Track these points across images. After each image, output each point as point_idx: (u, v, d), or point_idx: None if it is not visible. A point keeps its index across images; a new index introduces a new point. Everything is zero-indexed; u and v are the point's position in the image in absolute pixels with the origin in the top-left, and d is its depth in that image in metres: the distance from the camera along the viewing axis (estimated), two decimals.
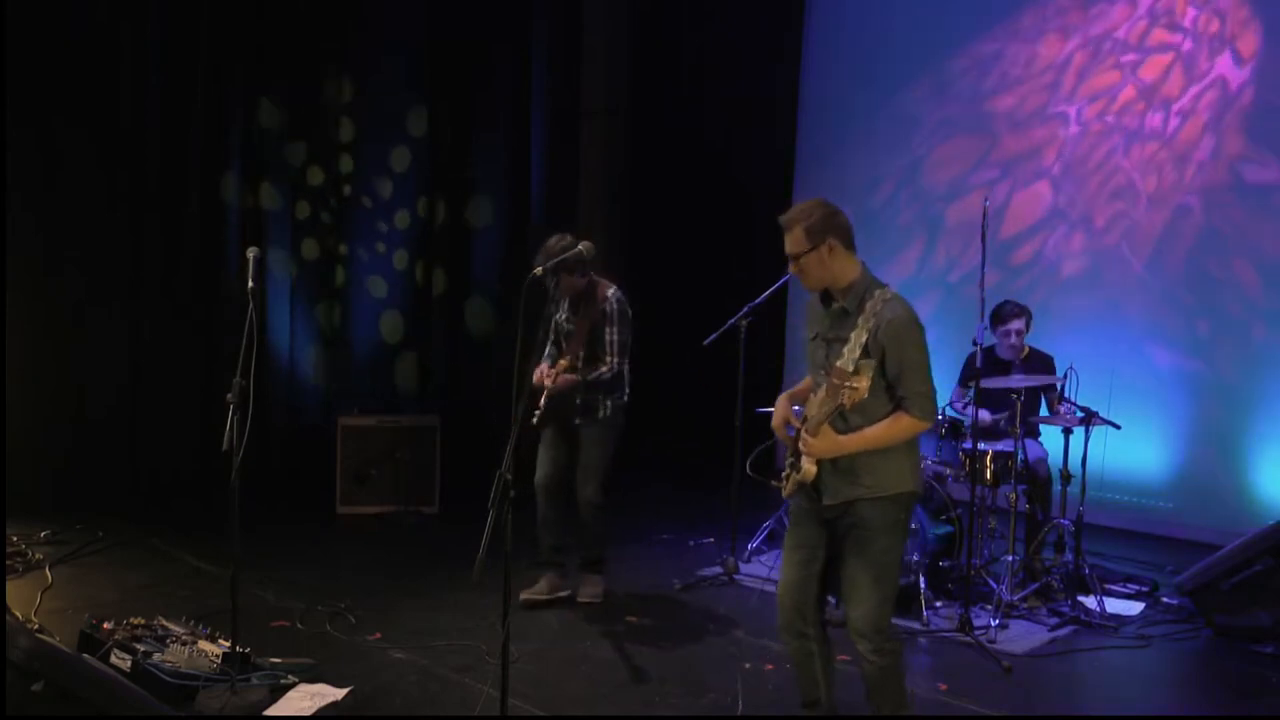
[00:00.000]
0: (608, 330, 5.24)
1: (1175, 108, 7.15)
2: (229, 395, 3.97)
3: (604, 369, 5.24)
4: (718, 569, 6.00)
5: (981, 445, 5.54)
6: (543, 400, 5.13)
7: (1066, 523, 5.71)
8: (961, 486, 5.64)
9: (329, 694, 4.14)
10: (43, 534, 6.03)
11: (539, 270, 3.83)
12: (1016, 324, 5.98)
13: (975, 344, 5.36)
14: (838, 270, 3.59)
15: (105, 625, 4.29)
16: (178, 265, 7.17)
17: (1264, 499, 6.71)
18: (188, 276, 7.20)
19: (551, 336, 5.41)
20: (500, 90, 8.31)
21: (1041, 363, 6.07)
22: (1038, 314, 6.15)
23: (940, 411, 5.77)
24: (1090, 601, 5.47)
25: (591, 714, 4.21)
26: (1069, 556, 5.68)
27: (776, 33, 8.76)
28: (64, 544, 5.95)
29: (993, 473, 5.68)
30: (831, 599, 3.84)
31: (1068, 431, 5.61)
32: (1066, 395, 5.69)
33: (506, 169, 8.38)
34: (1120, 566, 6.21)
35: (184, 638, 4.26)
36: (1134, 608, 5.60)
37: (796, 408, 3.72)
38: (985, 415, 5.85)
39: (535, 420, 5.15)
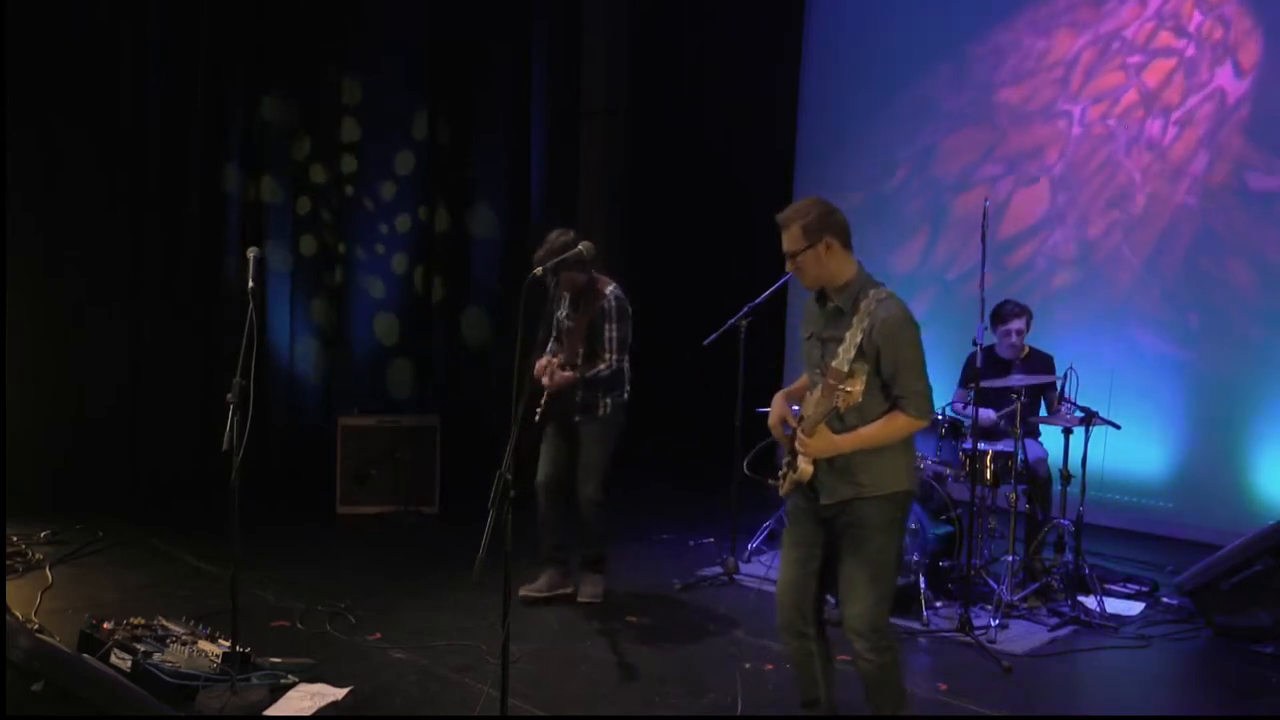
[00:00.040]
0: (607, 327, 5.24)
1: (1174, 116, 7.15)
2: (229, 395, 3.97)
3: (603, 366, 5.23)
4: (718, 569, 6.00)
5: (981, 445, 5.54)
6: (543, 400, 5.15)
7: (1066, 523, 5.71)
8: (961, 486, 5.64)
9: (329, 694, 4.13)
10: (43, 534, 6.03)
11: (539, 270, 3.83)
12: (1017, 323, 5.98)
13: (975, 344, 5.36)
14: (834, 269, 3.60)
15: (105, 625, 4.29)
16: (178, 265, 7.17)
17: (1264, 499, 6.71)
18: (188, 276, 7.20)
19: (554, 334, 5.41)
20: (500, 90, 8.31)
21: (1042, 362, 6.07)
22: (1037, 314, 6.15)
23: (940, 411, 5.78)
24: (1090, 601, 5.47)
25: (591, 714, 4.20)
26: (1069, 556, 5.67)
27: (776, 33, 8.76)
28: (64, 544, 5.95)
29: (993, 473, 5.68)
30: (831, 598, 3.84)
31: (1068, 431, 5.61)
32: (1066, 395, 5.69)
33: (506, 169, 8.38)
34: (1120, 566, 6.21)
35: (184, 638, 4.26)
36: (1134, 608, 5.60)
37: (795, 407, 3.72)
38: (990, 414, 5.85)
39: (536, 418, 5.16)
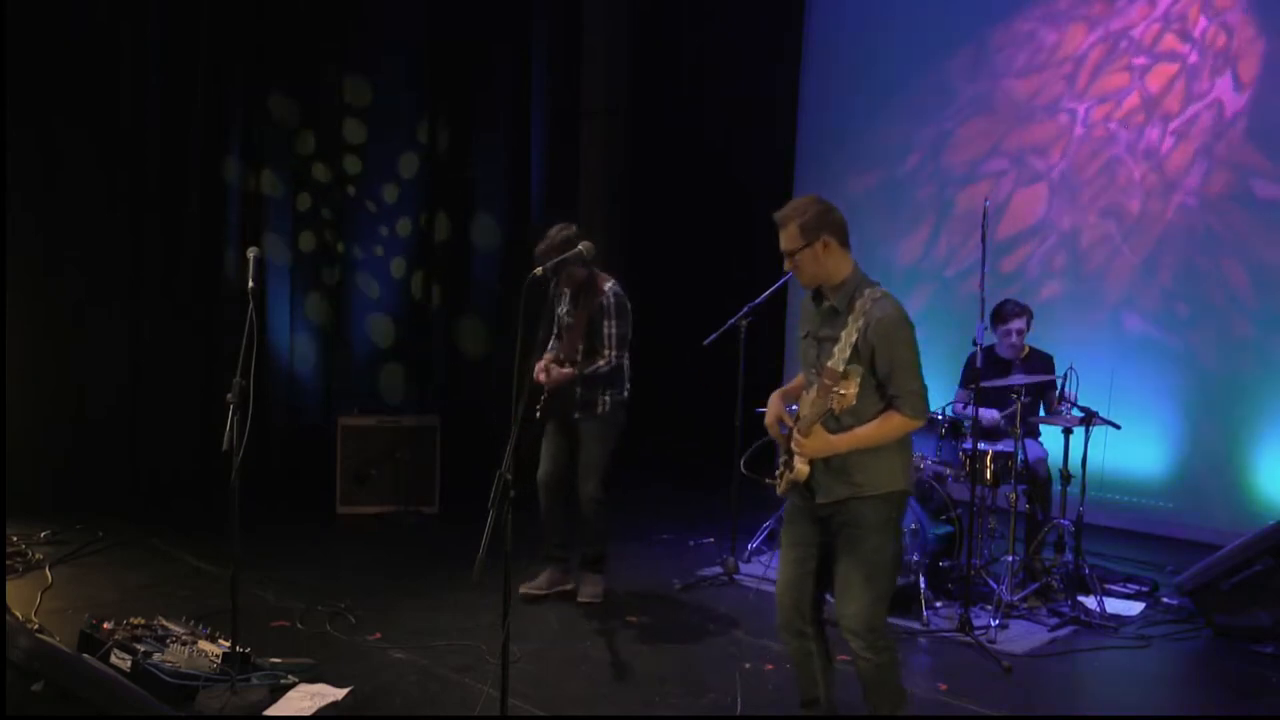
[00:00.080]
0: (606, 323, 5.24)
1: (1172, 126, 7.16)
2: (229, 395, 3.97)
3: (601, 363, 5.24)
4: (718, 569, 6.00)
5: (981, 445, 5.54)
6: (542, 397, 5.16)
7: (1066, 523, 5.70)
8: (961, 486, 5.64)
9: (329, 694, 4.13)
10: (43, 534, 6.03)
11: (539, 270, 3.83)
12: (1017, 323, 5.98)
13: (975, 344, 5.36)
14: (831, 267, 3.61)
15: (105, 625, 4.29)
16: (178, 265, 7.17)
17: (1264, 499, 6.71)
18: (188, 276, 7.20)
19: (555, 331, 5.42)
20: (500, 90, 8.31)
21: (1042, 362, 6.07)
22: (1036, 315, 6.15)
23: (941, 411, 5.78)
24: (1090, 601, 5.47)
25: (591, 714, 4.20)
26: (1069, 556, 5.67)
27: (776, 33, 8.76)
28: (64, 544, 5.95)
29: (993, 473, 5.67)
30: (830, 597, 3.84)
31: (1068, 431, 5.61)
32: (1067, 395, 5.69)
33: (506, 169, 8.38)
34: (1120, 566, 6.21)
35: (184, 638, 4.26)
36: (1134, 608, 5.60)
37: (792, 406, 3.72)
38: (994, 414, 5.85)
39: (538, 413, 5.18)
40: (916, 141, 8.21)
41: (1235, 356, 6.93)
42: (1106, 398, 6.72)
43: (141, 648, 4.13)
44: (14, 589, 5.16)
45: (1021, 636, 5.14)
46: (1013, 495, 5.61)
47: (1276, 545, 5.06)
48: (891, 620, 5.11)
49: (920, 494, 5.65)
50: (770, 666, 4.65)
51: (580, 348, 5.28)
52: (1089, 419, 5.51)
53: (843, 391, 3.35)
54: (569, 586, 5.52)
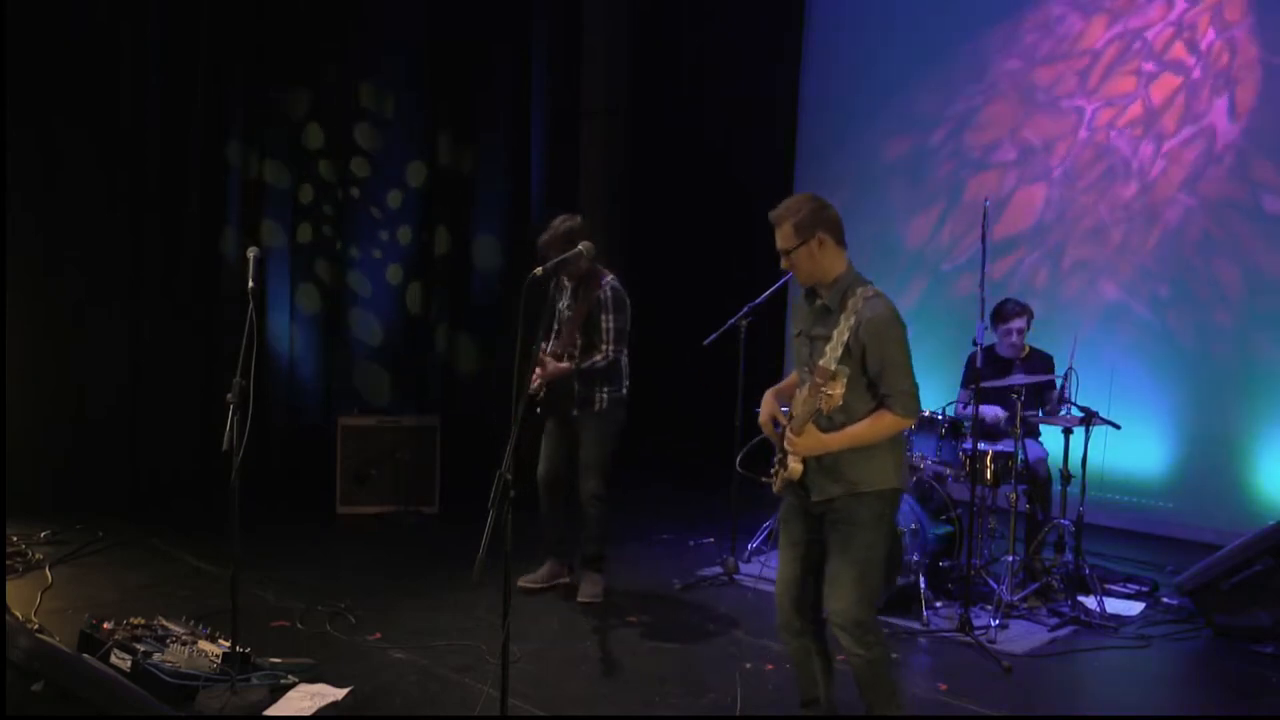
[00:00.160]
0: (604, 318, 5.24)
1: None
2: (229, 395, 3.97)
3: (599, 357, 5.24)
4: (718, 569, 6.00)
5: (981, 445, 5.54)
6: (541, 393, 5.18)
7: (1066, 523, 5.70)
8: (961, 486, 5.64)
9: (329, 694, 4.13)
10: (43, 534, 6.03)
11: (539, 270, 3.83)
12: (1018, 322, 5.98)
13: (975, 344, 5.36)
14: (827, 265, 3.62)
15: (105, 625, 4.29)
16: (178, 265, 7.16)
17: (1264, 499, 6.71)
18: (188, 276, 7.19)
19: (554, 326, 5.42)
20: (500, 90, 8.30)
21: (1042, 362, 6.07)
22: (1036, 314, 6.15)
23: (941, 411, 5.78)
24: (1090, 601, 5.47)
25: (591, 714, 4.21)
26: (1069, 556, 5.67)
27: (776, 33, 8.76)
28: (64, 544, 5.95)
29: (993, 473, 5.67)
30: None
31: (1068, 431, 5.61)
32: (1067, 395, 5.69)
33: (506, 169, 8.38)
34: (1120, 566, 6.21)
35: (184, 638, 4.26)
36: (1134, 608, 5.60)
37: (785, 407, 3.73)
38: (998, 410, 5.85)
39: (537, 410, 5.19)
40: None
41: (1234, 357, 6.93)
42: (1106, 398, 6.72)
43: (141, 648, 4.13)
44: (14, 589, 5.16)
45: (1021, 636, 5.14)
46: (1013, 495, 5.61)
47: (1276, 545, 5.07)
48: (891, 620, 5.17)
49: (920, 494, 5.65)
50: (770, 666, 4.65)
51: (578, 342, 5.28)
52: (1089, 419, 5.51)
53: (830, 392, 3.36)
54: (567, 580, 5.55)
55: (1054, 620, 5.34)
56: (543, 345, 5.27)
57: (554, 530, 5.58)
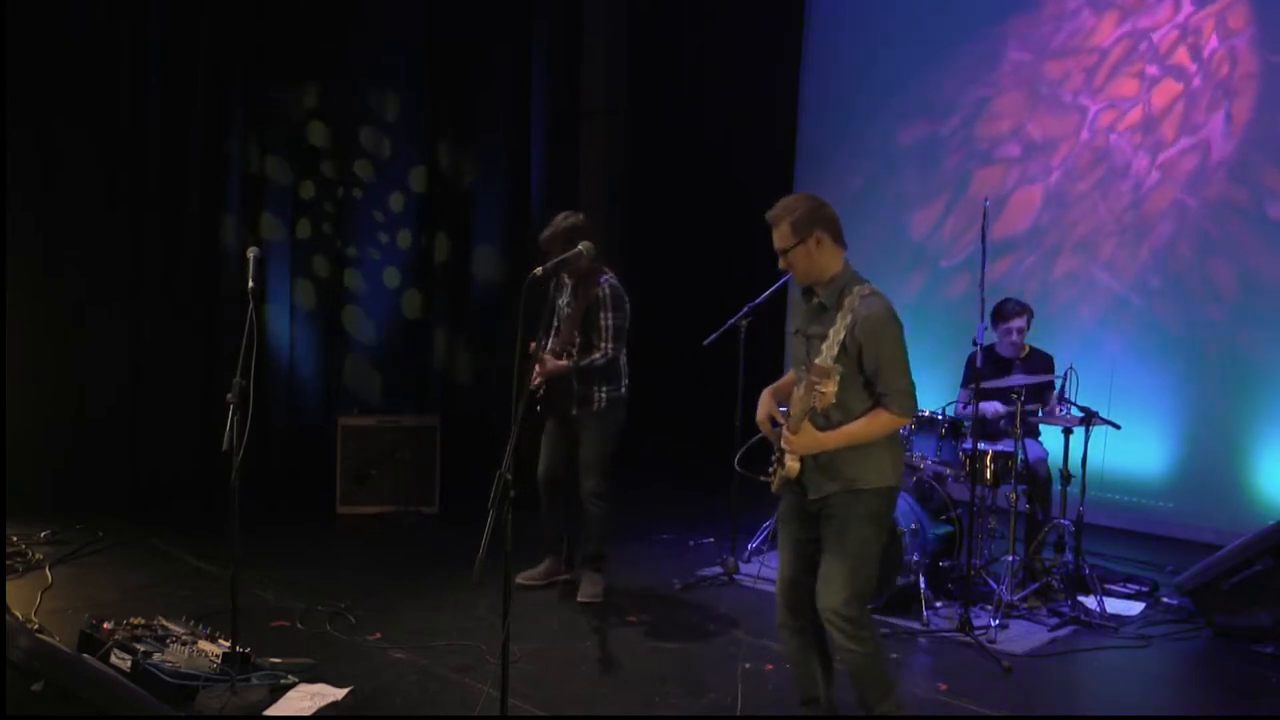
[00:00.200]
0: (602, 315, 5.25)
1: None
2: (229, 395, 3.97)
3: (598, 355, 5.25)
4: (718, 569, 6.00)
5: (981, 445, 5.54)
6: (541, 390, 5.19)
7: (1066, 523, 5.70)
8: (961, 486, 5.64)
9: (329, 694, 4.13)
10: (43, 534, 6.03)
11: (539, 270, 3.83)
12: (1018, 322, 5.98)
13: (975, 344, 5.36)
14: (824, 264, 3.63)
15: (105, 625, 4.29)
16: (178, 265, 7.16)
17: (1264, 499, 6.71)
18: (188, 276, 7.19)
19: (554, 323, 5.42)
20: (500, 90, 8.30)
21: (1042, 362, 6.07)
22: (1036, 314, 6.15)
23: (941, 411, 5.78)
24: (1090, 601, 5.47)
25: (591, 714, 4.21)
26: (1069, 556, 5.67)
27: (776, 33, 8.76)
28: (64, 544, 5.95)
29: (993, 473, 5.67)
30: None
31: (1068, 431, 5.61)
32: (1066, 395, 5.69)
33: (506, 169, 8.38)
34: (1120, 566, 6.21)
35: (184, 638, 4.26)
36: (1134, 608, 5.60)
37: (784, 408, 3.74)
38: (997, 406, 5.85)
39: (537, 408, 5.20)
40: (918, 133, 8.21)
41: (1234, 357, 6.93)
42: (1107, 398, 6.72)
43: (141, 648, 4.13)
44: (14, 589, 5.16)
45: (1021, 636, 5.14)
46: (1013, 495, 5.61)
47: (1276, 545, 5.07)
48: (891, 620, 5.17)
49: (920, 494, 5.65)
50: (770, 666, 4.65)
51: (576, 340, 5.29)
52: (1089, 419, 5.51)
53: (823, 389, 3.37)
54: (567, 577, 5.56)
55: (1054, 620, 5.34)
56: (542, 342, 5.28)
57: (554, 529, 5.61)
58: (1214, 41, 7.01)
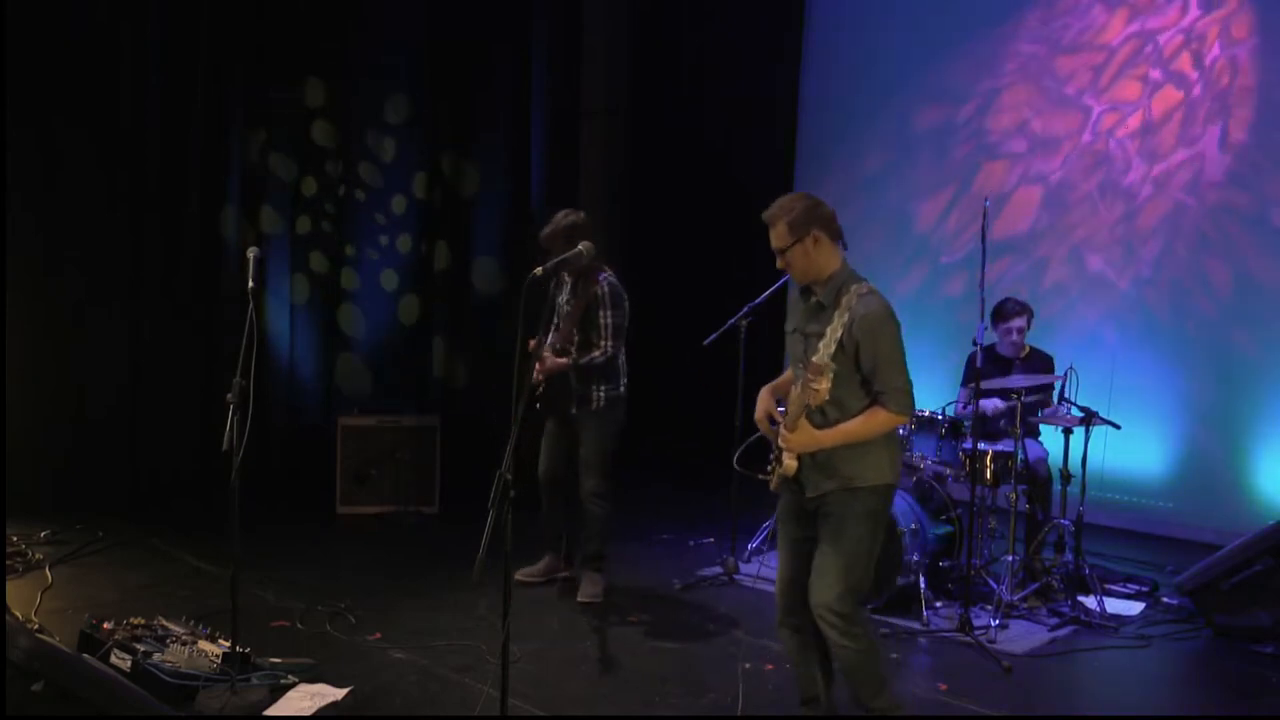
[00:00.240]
0: (601, 313, 5.26)
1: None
2: (229, 395, 3.97)
3: (597, 353, 5.26)
4: (718, 569, 6.00)
5: (981, 445, 5.54)
6: (541, 387, 5.20)
7: (1066, 523, 5.70)
8: (961, 486, 5.64)
9: (329, 694, 4.13)
10: (43, 534, 6.03)
11: (539, 270, 3.83)
12: (1018, 321, 5.98)
13: (975, 344, 5.36)
14: (821, 262, 3.63)
15: (105, 625, 4.29)
16: (178, 265, 7.16)
17: (1264, 499, 6.71)
18: (188, 276, 7.19)
19: (554, 321, 5.43)
20: (500, 90, 8.30)
21: (1042, 362, 6.07)
22: (1036, 314, 6.15)
23: (940, 411, 5.78)
24: (1090, 601, 5.47)
25: (591, 714, 4.21)
26: (1069, 556, 5.67)
27: (776, 33, 8.76)
28: (64, 544, 5.95)
29: (993, 473, 5.67)
30: None
31: (1068, 431, 5.61)
32: (1066, 395, 5.69)
33: (506, 169, 8.38)
34: (1120, 566, 6.21)
35: (184, 638, 4.26)
36: (1134, 608, 5.60)
37: (782, 408, 3.74)
38: (997, 402, 5.85)
39: (537, 405, 5.20)
40: (918, 131, 8.20)
41: (1234, 357, 6.93)
42: (1107, 398, 6.72)
43: (141, 648, 4.13)
44: (14, 589, 5.16)
45: (1021, 636, 5.14)
46: (1013, 495, 5.61)
47: (1276, 545, 5.07)
48: (891, 620, 5.18)
49: (920, 494, 5.65)
50: (770, 666, 4.65)
51: (575, 338, 5.29)
52: (1089, 419, 5.51)
53: (816, 386, 3.37)
54: (566, 574, 5.58)
55: (1054, 620, 5.34)
56: (542, 339, 5.28)
57: (554, 528, 5.63)
58: (1216, 50, 6.99)
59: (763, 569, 5.85)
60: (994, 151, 7.86)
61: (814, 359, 3.42)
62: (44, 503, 6.45)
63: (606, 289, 5.27)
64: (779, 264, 3.68)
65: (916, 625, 5.19)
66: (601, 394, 5.34)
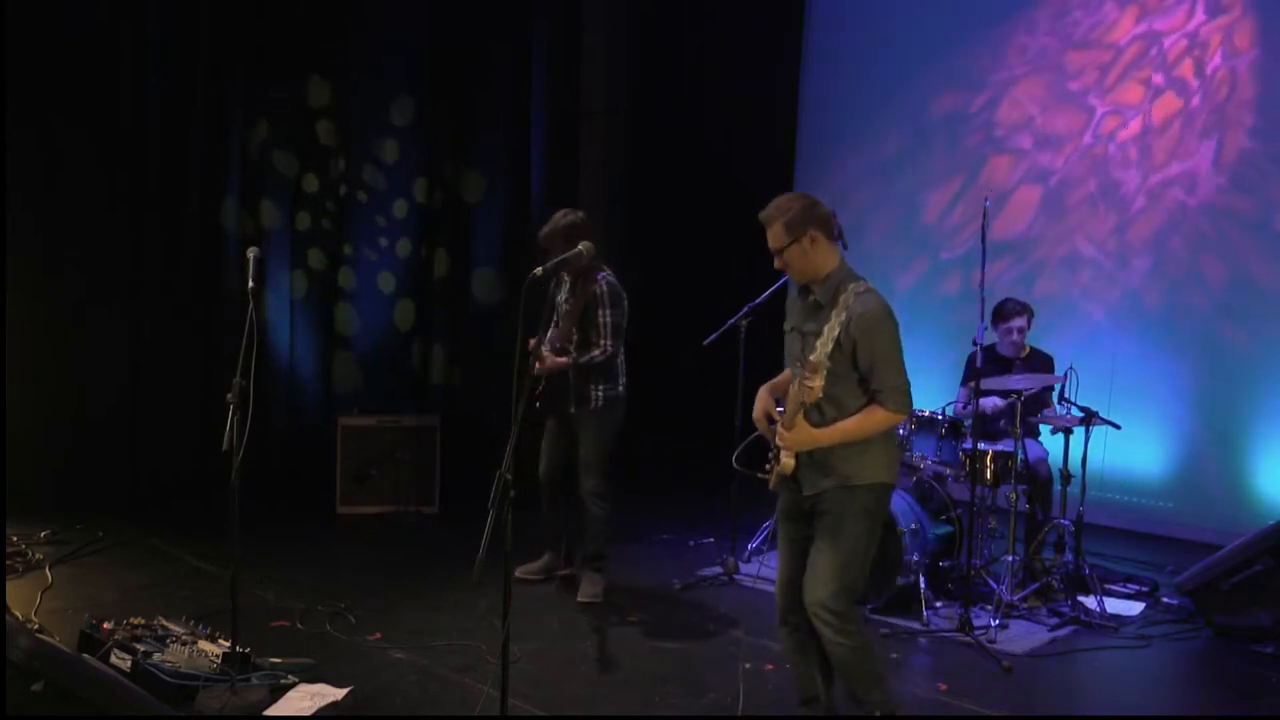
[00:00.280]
0: (600, 312, 5.26)
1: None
2: (229, 395, 3.97)
3: (596, 352, 5.26)
4: (718, 569, 6.00)
5: (981, 445, 5.54)
6: (540, 385, 5.20)
7: (1066, 523, 5.70)
8: (961, 486, 5.64)
9: (329, 694, 4.13)
10: (43, 534, 6.03)
11: (538, 271, 3.83)
12: (1019, 321, 5.98)
13: (975, 344, 5.36)
14: (819, 262, 3.63)
15: (105, 625, 4.29)
16: (178, 265, 7.16)
17: (1264, 499, 6.72)
18: (188, 276, 7.19)
19: (554, 320, 5.43)
20: (500, 90, 8.30)
21: (1042, 362, 6.07)
22: (1036, 314, 6.15)
23: (941, 410, 5.78)
24: (1090, 601, 5.47)
25: (591, 714, 4.21)
26: (1069, 556, 5.67)
27: (776, 33, 8.76)
28: (64, 544, 5.95)
29: (993, 473, 5.67)
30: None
31: (1068, 431, 5.61)
32: (1066, 395, 5.69)
33: (507, 169, 8.38)
34: (1120, 566, 6.21)
35: (184, 638, 4.26)
36: (1134, 608, 5.60)
37: (780, 407, 3.74)
38: (996, 400, 5.85)
39: (536, 404, 5.21)
40: (918, 133, 8.20)
41: (1234, 357, 6.93)
42: (1107, 398, 6.72)
43: (141, 648, 4.13)
44: (14, 589, 5.16)
45: (1021, 636, 5.14)
46: (1013, 495, 5.61)
47: (1276, 545, 5.06)
48: (891, 620, 5.18)
49: (920, 494, 5.65)
50: (770, 666, 4.65)
51: (574, 337, 5.29)
52: (1089, 419, 5.51)
53: (810, 384, 3.37)
54: (566, 572, 5.59)
55: (1054, 620, 5.34)
56: (542, 338, 5.28)
57: (554, 528, 5.64)
58: (1218, 59, 6.98)
59: (763, 569, 5.85)
60: (1001, 145, 7.85)
61: (812, 358, 3.42)
62: (44, 503, 6.45)
63: (605, 288, 5.28)
64: (776, 264, 3.68)
65: (916, 625, 5.19)
66: (600, 393, 5.34)
